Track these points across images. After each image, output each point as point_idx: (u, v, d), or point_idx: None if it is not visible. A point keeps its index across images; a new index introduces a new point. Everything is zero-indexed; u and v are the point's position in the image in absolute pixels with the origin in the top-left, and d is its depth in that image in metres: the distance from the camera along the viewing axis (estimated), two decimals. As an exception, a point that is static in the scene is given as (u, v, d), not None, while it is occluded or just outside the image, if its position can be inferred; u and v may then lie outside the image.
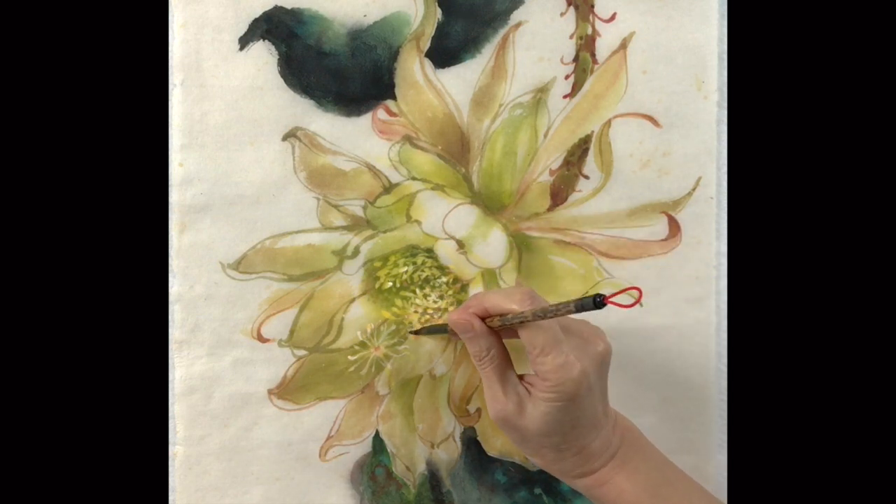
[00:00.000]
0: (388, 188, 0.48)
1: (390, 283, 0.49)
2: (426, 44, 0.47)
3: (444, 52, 0.47)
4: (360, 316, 0.49)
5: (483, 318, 0.42)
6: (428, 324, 0.49)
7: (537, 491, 0.51)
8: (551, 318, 0.38)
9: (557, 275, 0.50)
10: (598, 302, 0.33)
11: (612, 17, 0.49)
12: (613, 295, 0.34)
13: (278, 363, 0.48)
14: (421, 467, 0.50)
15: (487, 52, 0.48)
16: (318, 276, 0.48)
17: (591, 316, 0.50)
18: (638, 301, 0.34)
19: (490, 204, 0.49)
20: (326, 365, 0.48)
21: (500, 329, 0.42)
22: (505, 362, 0.42)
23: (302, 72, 0.46)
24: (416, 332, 0.49)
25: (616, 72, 0.49)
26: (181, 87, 0.45)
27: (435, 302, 0.49)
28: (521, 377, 0.42)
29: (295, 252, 0.47)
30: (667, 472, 0.43)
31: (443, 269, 0.49)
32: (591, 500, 0.43)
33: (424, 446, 0.50)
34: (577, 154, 0.50)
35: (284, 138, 0.46)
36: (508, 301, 0.40)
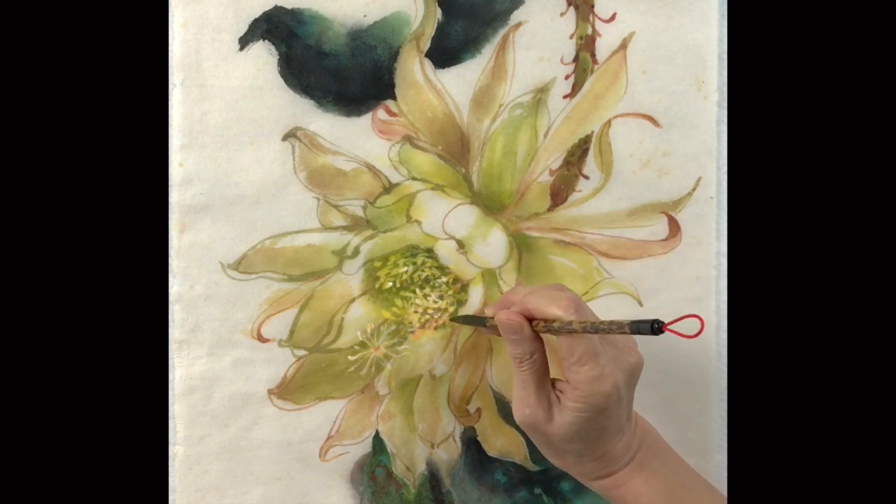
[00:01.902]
0: (388, 188, 0.48)
1: (390, 283, 0.49)
2: (426, 44, 0.47)
3: (444, 52, 0.47)
4: (360, 316, 0.49)
5: (529, 321, 0.41)
6: (428, 324, 0.49)
7: (537, 491, 0.51)
8: (602, 334, 0.37)
9: (557, 275, 0.50)
10: (657, 329, 0.31)
11: (612, 17, 0.49)
12: (672, 322, 0.31)
13: (278, 363, 0.48)
14: (421, 467, 0.50)
15: (487, 52, 0.48)
16: (318, 276, 0.48)
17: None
18: (700, 332, 0.31)
19: (490, 204, 0.49)
20: (326, 365, 0.48)
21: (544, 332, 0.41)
22: (544, 367, 0.41)
23: (302, 72, 0.46)
24: (454, 320, 0.49)
25: (616, 72, 0.49)
26: (181, 87, 0.45)
27: (435, 302, 0.49)
28: (552, 382, 0.42)
29: (295, 252, 0.47)
30: (682, 475, 0.43)
31: (443, 269, 0.49)
32: (607, 501, 0.43)
33: (424, 446, 0.50)
34: (577, 154, 0.50)
35: (284, 138, 0.46)
36: (554, 305, 0.39)
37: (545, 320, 0.40)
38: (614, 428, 0.41)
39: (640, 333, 0.33)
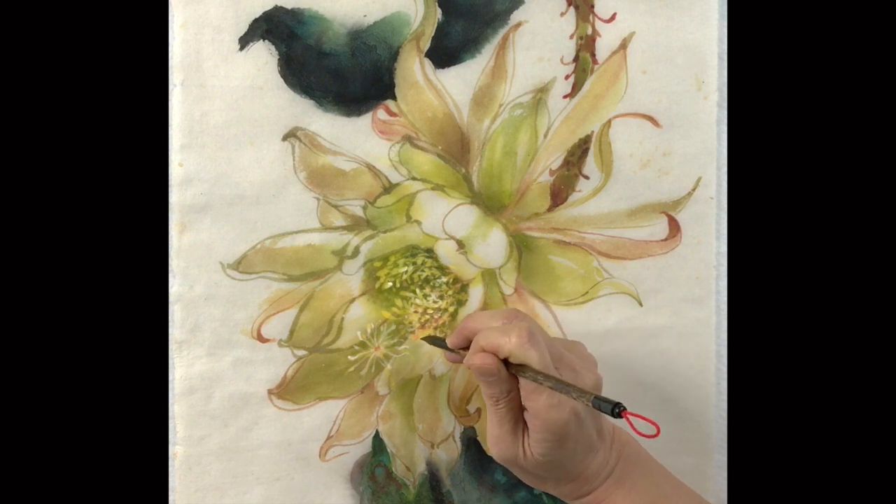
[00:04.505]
0: (388, 188, 0.48)
1: (390, 283, 0.49)
2: (426, 44, 0.47)
3: (444, 52, 0.47)
4: (360, 316, 0.49)
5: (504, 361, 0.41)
6: (428, 324, 0.49)
7: (537, 491, 0.51)
8: (565, 394, 0.37)
9: (557, 275, 0.50)
10: (616, 413, 0.32)
11: (612, 18, 0.49)
12: (633, 413, 0.32)
13: (278, 363, 0.48)
14: (421, 467, 0.50)
15: (487, 52, 0.48)
16: (318, 276, 0.48)
17: (587, 315, 0.50)
18: (656, 435, 0.32)
19: (490, 204, 0.49)
20: (326, 365, 0.48)
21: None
22: (519, 404, 0.41)
23: (302, 72, 0.46)
24: (425, 339, 0.49)
25: (616, 72, 0.49)
26: (181, 87, 0.45)
27: (435, 302, 0.49)
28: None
29: (295, 252, 0.47)
30: (664, 488, 0.43)
31: (443, 270, 0.49)
32: None
33: (424, 446, 0.50)
34: (577, 154, 0.50)
35: (284, 138, 0.46)
36: (504, 338, 0.39)
37: (515, 364, 0.40)
38: (584, 448, 0.41)
39: (601, 410, 0.34)
